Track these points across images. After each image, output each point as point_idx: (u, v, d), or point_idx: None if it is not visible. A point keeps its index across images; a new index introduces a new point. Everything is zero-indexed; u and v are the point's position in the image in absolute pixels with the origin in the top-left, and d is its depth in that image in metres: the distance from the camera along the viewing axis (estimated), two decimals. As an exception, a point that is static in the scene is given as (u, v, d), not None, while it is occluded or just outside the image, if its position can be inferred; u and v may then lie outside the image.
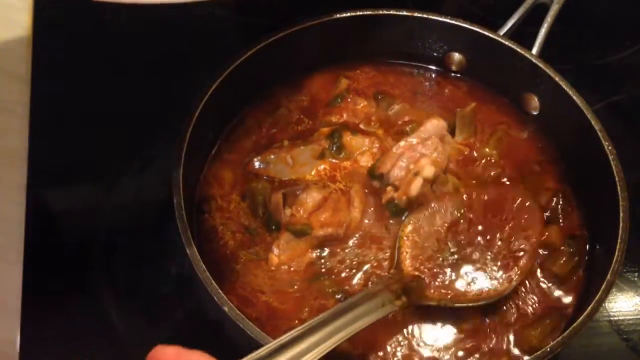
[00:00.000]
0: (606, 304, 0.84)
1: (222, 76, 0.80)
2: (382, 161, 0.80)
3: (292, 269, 0.75)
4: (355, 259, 0.76)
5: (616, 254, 0.69)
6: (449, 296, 0.72)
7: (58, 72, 1.00)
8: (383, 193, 0.79)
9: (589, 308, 0.66)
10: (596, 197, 0.80)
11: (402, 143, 0.80)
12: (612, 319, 0.83)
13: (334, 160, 0.83)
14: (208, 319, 0.76)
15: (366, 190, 0.80)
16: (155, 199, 0.87)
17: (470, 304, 0.72)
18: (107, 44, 1.05)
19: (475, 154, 0.85)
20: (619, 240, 0.70)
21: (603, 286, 0.67)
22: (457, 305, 0.72)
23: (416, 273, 0.73)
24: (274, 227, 0.77)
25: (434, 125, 0.82)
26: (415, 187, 0.77)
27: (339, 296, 0.73)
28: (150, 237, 0.85)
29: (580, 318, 0.66)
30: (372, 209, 0.79)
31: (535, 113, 0.88)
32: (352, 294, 0.73)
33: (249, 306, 0.73)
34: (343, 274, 0.75)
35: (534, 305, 0.74)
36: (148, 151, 0.92)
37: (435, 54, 0.92)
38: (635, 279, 0.86)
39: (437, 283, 0.72)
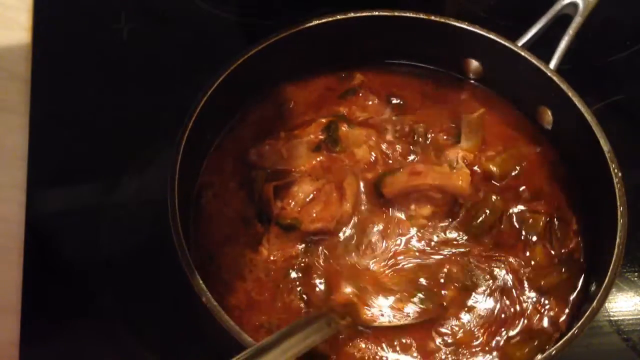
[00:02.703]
0: (606, 304, 0.83)
1: (221, 78, 0.79)
2: (392, 181, 0.79)
3: (274, 259, 0.75)
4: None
5: (606, 281, 0.69)
6: (387, 318, 0.72)
7: (58, 72, 1.00)
8: None
9: (589, 310, 0.67)
10: (597, 221, 0.78)
11: (420, 181, 0.79)
12: (612, 319, 0.83)
13: (329, 153, 0.82)
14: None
15: (360, 183, 0.80)
16: (155, 199, 0.87)
17: (413, 322, 0.72)
18: (107, 44, 1.05)
19: (477, 168, 0.82)
20: (610, 269, 0.69)
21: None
22: (400, 324, 0.72)
23: (349, 297, 0.73)
24: (264, 219, 0.77)
25: (455, 184, 0.79)
26: None
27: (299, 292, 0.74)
28: (150, 237, 0.85)
29: (582, 319, 0.66)
30: (365, 204, 0.79)
31: (549, 128, 0.85)
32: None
33: (230, 293, 0.73)
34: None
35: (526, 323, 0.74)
36: (148, 151, 0.92)
37: (451, 60, 0.90)
38: (635, 279, 0.86)
39: (371, 305, 0.73)
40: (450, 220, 0.78)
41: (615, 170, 0.74)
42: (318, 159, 0.82)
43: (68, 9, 1.08)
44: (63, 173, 0.91)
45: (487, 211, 0.78)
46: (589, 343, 0.80)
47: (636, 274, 0.87)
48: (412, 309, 0.73)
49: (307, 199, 0.77)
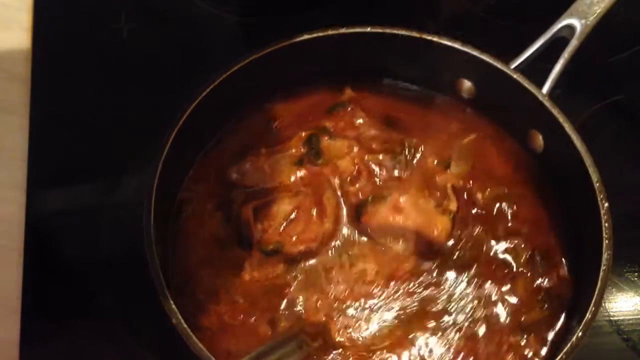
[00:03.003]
0: (606, 304, 0.84)
1: (209, 88, 0.78)
2: (372, 210, 0.79)
3: (254, 281, 0.75)
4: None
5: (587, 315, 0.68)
6: (360, 341, 0.71)
7: (58, 72, 1.00)
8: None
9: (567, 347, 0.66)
10: (582, 253, 0.77)
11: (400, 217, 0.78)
12: (612, 319, 0.83)
13: (312, 166, 0.81)
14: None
15: (339, 194, 0.79)
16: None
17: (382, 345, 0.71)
18: (107, 44, 1.05)
19: (465, 197, 0.81)
20: (592, 303, 0.68)
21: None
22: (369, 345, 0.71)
23: (322, 319, 0.72)
24: (245, 244, 0.76)
25: (435, 231, 0.78)
26: None
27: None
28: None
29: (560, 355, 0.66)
30: (346, 221, 0.79)
31: (539, 152, 0.84)
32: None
33: (203, 314, 0.73)
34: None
35: None
36: (148, 151, 0.92)
37: (443, 79, 0.88)
38: (635, 279, 0.86)
39: (345, 328, 0.72)
40: (425, 259, 0.77)
41: (603, 201, 0.72)
42: (301, 173, 0.81)
43: (68, 9, 1.08)
44: (63, 173, 0.91)
45: (469, 244, 0.77)
46: (589, 343, 0.80)
47: (636, 274, 0.87)
48: (383, 333, 0.73)
49: (288, 219, 0.76)
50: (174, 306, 0.65)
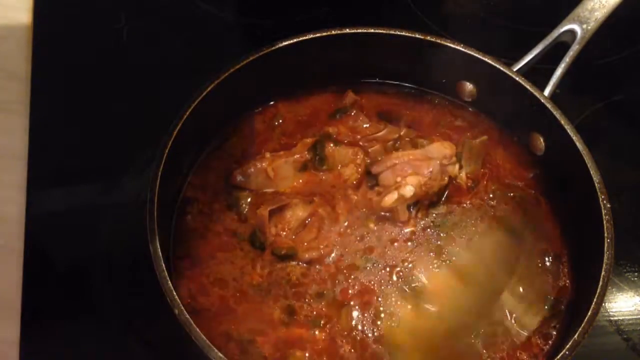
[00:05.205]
0: (606, 304, 0.84)
1: (210, 87, 0.78)
2: (379, 162, 0.79)
3: (263, 278, 0.75)
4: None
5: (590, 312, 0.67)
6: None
7: (58, 72, 1.00)
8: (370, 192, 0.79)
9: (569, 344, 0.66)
10: (584, 253, 0.77)
11: (404, 152, 0.79)
12: (612, 319, 0.83)
13: (316, 172, 0.81)
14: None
15: (354, 197, 0.80)
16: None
17: None
18: (107, 44, 1.05)
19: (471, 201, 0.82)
20: (594, 301, 0.68)
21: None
22: None
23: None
24: (257, 245, 0.76)
25: (439, 148, 0.79)
26: (389, 199, 0.76)
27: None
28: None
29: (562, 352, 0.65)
30: (357, 225, 0.78)
31: (540, 154, 0.84)
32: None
33: (205, 295, 0.73)
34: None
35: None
36: (148, 151, 0.92)
37: (445, 81, 0.89)
38: (635, 279, 0.86)
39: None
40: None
41: (604, 202, 0.72)
42: (305, 179, 0.81)
43: (68, 9, 1.08)
44: (63, 173, 0.91)
45: None
46: (589, 343, 0.80)
47: (636, 274, 0.87)
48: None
49: (302, 225, 0.77)
50: (175, 296, 0.65)
